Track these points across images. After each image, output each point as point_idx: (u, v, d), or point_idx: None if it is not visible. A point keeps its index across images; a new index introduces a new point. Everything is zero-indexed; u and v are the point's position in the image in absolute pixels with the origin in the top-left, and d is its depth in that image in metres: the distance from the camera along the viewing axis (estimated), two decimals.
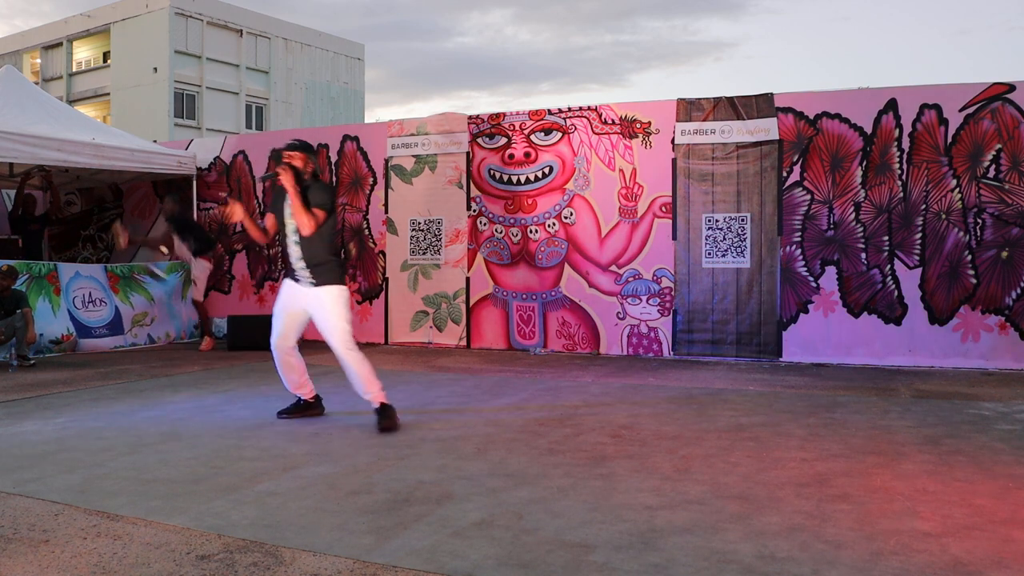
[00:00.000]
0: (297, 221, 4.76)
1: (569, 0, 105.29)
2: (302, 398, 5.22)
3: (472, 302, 9.12)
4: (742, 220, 8.03)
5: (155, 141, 12.59)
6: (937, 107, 7.42)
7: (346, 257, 5.01)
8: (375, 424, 4.84)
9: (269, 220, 5.04)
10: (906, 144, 7.51)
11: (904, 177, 7.52)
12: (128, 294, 9.41)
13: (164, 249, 9.70)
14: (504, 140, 8.96)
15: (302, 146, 4.97)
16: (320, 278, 4.84)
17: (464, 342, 9.15)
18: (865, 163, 7.62)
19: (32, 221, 9.95)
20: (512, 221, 8.92)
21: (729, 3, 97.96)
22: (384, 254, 9.56)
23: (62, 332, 8.61)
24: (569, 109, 8.73)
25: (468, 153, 9.15)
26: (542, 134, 8.80)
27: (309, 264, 4.83)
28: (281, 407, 5.64)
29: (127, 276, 9.49)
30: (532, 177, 8.83)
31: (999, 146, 7.24)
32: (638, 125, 8.40)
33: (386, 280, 9.56)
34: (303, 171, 4.88)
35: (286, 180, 4.77)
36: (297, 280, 4.91)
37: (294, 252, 4.87)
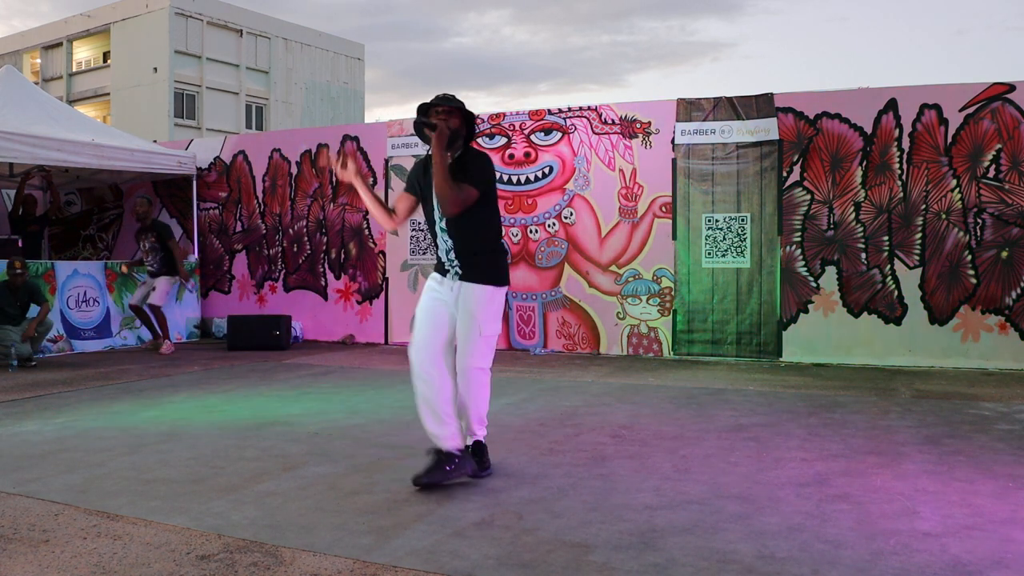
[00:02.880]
0: (439, 196, 3.64)
1: (565, 0, 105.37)
2: (443, 449, 3.62)
3: None
4: (742, 220, 8.03)
5: (155, 141, 12.59)
6: (937, 107, 7.41)
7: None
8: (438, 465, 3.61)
9: (402, 202, 3.93)
10: (906, 144, 7.51)
11: (904, 177, 7.52)
12: (123, 294, 9.41)
13: (124, 269, 9.47)
14: (504, 140, 8.96)
15: (461, 104, 3.76)
16: (471, 272, 3.72)
17: None
18: (865, 163, 7.62)
19: (32, 222, 9.95)
20: (512, 221, 8.91)
21: (726, 4, 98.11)
22: (384, 254, 9.57)
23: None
24: (569, 109, 8.73)
25: None
26: (542, 134, 8.79)
27: (461, 254, 3.72)
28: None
29: (125, 275, 9.49)
30: (532, 177, 8.83)
31: (999, 146, 7.24)
32: (638, 125, 8.40)
33: (386, 280, 9.56)
34: (458, 135, 3.73)
35: (436, 142, 3.61)
36: (444, 273, 3.80)
37: (442, 241, 3.76)
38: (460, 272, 3.73)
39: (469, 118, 3.77)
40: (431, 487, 3.55)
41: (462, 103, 3.76)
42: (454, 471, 3.60)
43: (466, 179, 3.64)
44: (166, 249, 9.12)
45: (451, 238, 3.74)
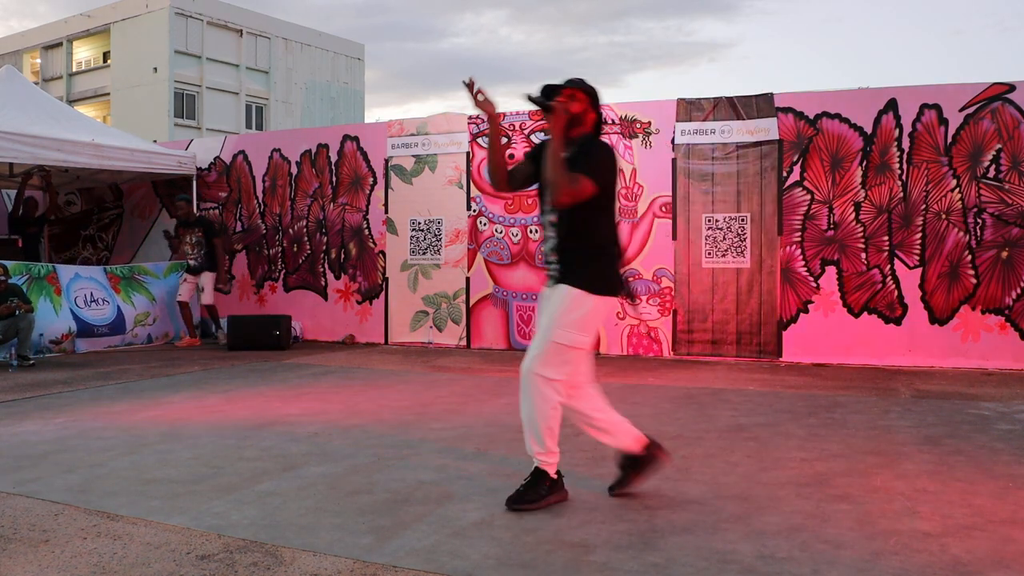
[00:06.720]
0: (550, 182, 3.28)
1: (561, 1, 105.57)
2: (627, 453, 3.49)
3: (472, 302, 9.12)
4: (742, 220, 8.03)
5: (155, 141, 12.60)
6: (937, 107, 7.42)
7: (617, 255, 3.48)
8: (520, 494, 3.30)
9: (521, 168, 3.60)
10: (906, 144, 7.51)
11: (904, 177, 7.52)
12: (130, 294, 9.41)
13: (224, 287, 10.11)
14: (504, 140, 8.96)
15: (588, 88, 3.41)
16: (566, 273, 3.34)
17: (464, 342, 9.15)
18: (865, 163, 7.62)
19: (31, 223, 9.95)
20: (512, 221, 8.91)
21: (723, 4, 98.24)
22: (384, 254, 9.56)
23: (62, 331, 8.60)
24: None
25: (468, 153, 9.15)
26: (542, 134, 8.79)
27: (562, 252, 3.36)
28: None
29: (128, 277, 9.50)
30: None
31: (999, 146, 7.24)
32: (638, 125, 8.40)
33: (386, 280, 9.56)
34: (579, 120, 3.37)
35: (554, 124, 3.26)
36: (550, 278, 3.45)
37: (548, 236, 3.44)
38: (558, 274, 3.36)
39: (596, 105, 3.41)
40: (624, 488, 3.47)
41: (592, 89, 3.41)
42: (643, 467, 3.49)
43: (585, 170, 3.23)
44: (211, 245, 9.49)
45: (556, 234, 3.37)
